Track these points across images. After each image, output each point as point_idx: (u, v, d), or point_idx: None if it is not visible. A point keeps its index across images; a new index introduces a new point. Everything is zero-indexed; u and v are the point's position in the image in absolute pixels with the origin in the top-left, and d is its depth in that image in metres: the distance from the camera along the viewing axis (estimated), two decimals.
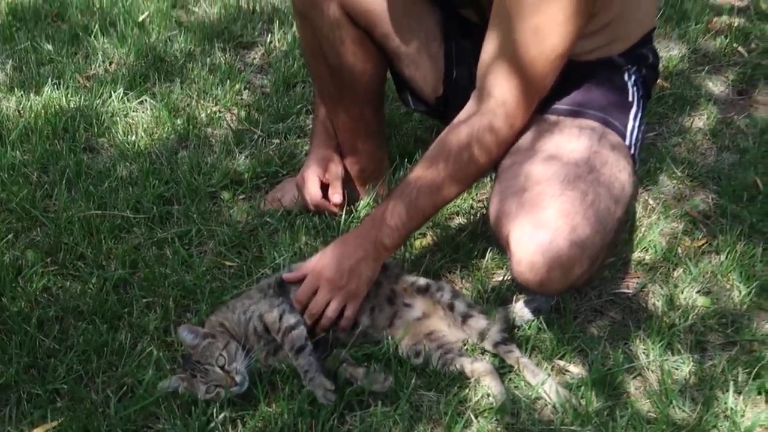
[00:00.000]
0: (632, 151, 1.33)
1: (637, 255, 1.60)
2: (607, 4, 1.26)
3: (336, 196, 1.60)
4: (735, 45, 2.40)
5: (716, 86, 2.23)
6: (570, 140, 1.25)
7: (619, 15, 1.31)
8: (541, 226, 1.14)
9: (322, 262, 1.34)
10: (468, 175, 1.30)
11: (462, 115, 1.29)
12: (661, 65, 2.23)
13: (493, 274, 1.53)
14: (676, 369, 1.34)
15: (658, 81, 2.18)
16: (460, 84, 1.48)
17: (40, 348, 1.30)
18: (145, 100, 1.95)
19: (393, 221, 1.30)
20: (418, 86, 1.56)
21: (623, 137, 1.32)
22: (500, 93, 1.23)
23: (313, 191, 1.60)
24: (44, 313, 1.37)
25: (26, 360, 1.28)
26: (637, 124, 1.36)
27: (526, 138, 1.29)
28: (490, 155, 1.27)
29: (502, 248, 1.27)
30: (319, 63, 1.55)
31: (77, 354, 1.29)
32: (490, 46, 1.24)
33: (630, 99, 1.38)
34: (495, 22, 1.23)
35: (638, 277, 1.55)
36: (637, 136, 1.35)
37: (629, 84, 1.40)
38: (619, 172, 1.25)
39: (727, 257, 1.57)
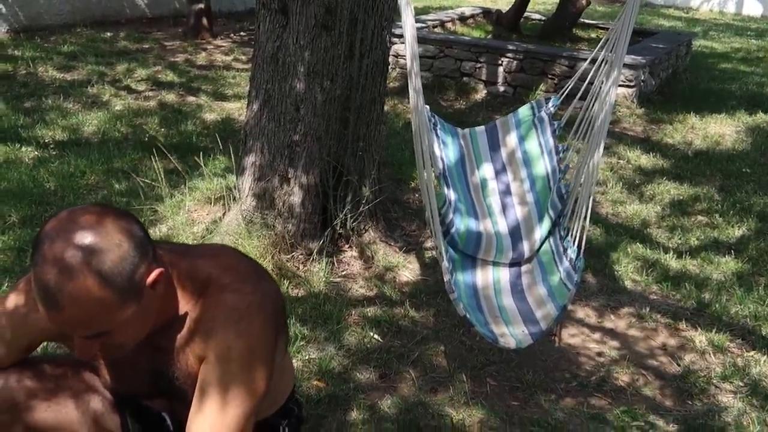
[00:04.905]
0: None
1: None
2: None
3: None
4: (371, 333, 2.99)
5: (362, 375, 2.74)
6: None
7: (273, 387, 1.70)
8: None
9: None
10: None
11: None
12: (315, 367, 2.73)
13: None
14: None
15: (316, 382, 2.66)
16: None
17: None
18: None
19: None
20: None
21: None
22: None
23: None
24: None
25: None
26: None
27: None
28: None
29: None
30: None
31: None
32: (193, 424, 1.51)
33: None
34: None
35: None
36: None
37: None
38: None
39: None
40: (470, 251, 3.11)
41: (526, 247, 3.14)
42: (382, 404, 2.58)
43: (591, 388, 2.76)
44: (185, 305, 1.56)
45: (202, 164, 4.13)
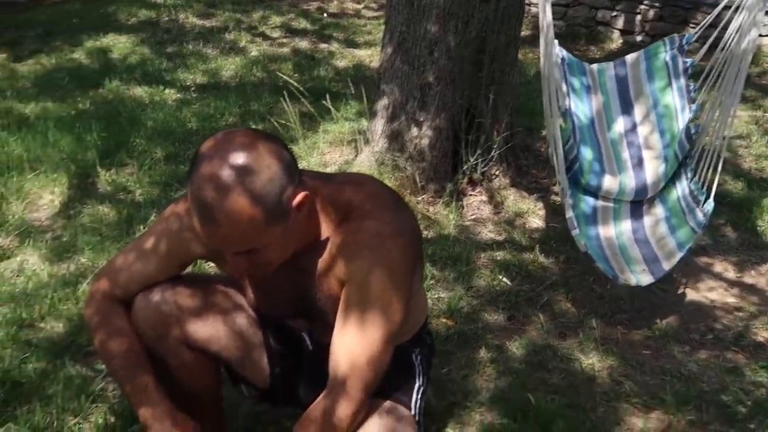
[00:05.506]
0: (417, 419, 1.76)
1: None
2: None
3: None
4: (500, 276, 3.00)
5: (491, 316, 2.76)
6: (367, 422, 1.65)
7: (411, 313, 1.74)
8: None
9: None
10: None
11: (316, 403, 1.60)
12: (444, 306, 2.77)
13: None
14: None
15: (445, 320, 2.70)
16: (283, 380, 1.87)
17: None
18: (10, 426, 2.19)
19: None
20: (248, 381, 1.93)
21: (409, 408, 1.75)
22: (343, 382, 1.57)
23: None
24: None
25: None
26: (420, 396, 1.80)
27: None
28: None
29: None
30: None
31: None
32: (335, 345, 1.58)
33: (415, 377, 1.84)
34: (338, 325, 1.59)
35: None
36: (420, 405, 1.79)
37: (416, 363, 1.87)
38: None
39: None
40: (592, 189, 3.06)
41: (650, 186, 3.07)
42: (510, 345, 2.60)
43: (728, 342, 2.67)
44: (327, 230, 1.62)
45: (334, 108, 4.20)
